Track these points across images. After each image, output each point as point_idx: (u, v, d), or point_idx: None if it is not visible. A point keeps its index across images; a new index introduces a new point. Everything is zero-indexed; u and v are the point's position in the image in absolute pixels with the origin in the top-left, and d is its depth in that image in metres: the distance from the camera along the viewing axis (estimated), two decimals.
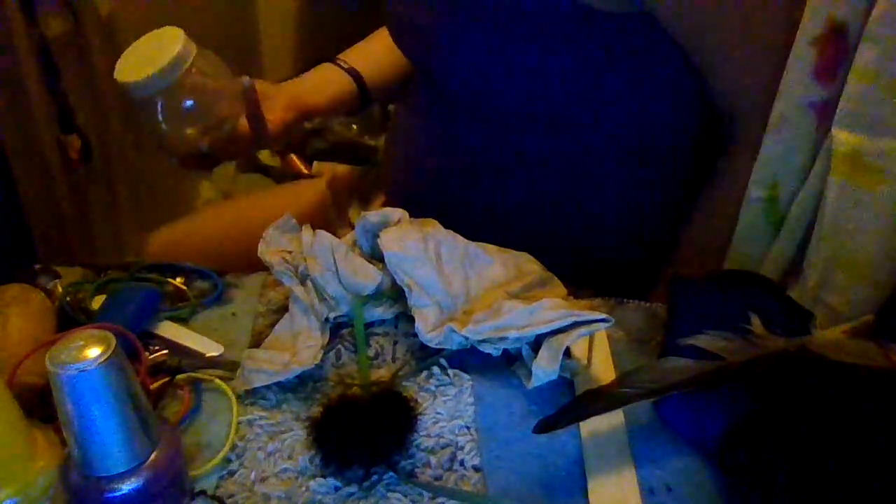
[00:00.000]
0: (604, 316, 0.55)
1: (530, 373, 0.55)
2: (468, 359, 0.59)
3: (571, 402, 0.52)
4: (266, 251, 0.63)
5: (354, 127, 1.25)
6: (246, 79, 0.74)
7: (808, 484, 0.46)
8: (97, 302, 0.63)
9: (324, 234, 0.62)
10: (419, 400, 0.56)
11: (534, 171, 0.73)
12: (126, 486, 0.42)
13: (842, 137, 0.61)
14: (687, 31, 0.63)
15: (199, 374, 0.58)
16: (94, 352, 0.39)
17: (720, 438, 0.51)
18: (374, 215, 0.63)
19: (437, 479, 0.51)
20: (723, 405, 0.52)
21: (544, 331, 0.55)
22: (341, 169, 1.02)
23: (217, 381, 0.57)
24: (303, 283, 0.61)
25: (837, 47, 0.60)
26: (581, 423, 0.53)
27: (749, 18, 0.62)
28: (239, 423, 0.54)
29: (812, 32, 0.60)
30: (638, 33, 0.64)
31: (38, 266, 0.66)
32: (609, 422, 0.54)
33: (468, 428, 0.54)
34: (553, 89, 0.67)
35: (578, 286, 0.63)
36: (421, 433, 0.53)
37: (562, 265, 0.63)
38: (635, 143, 0.72)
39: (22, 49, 1.05)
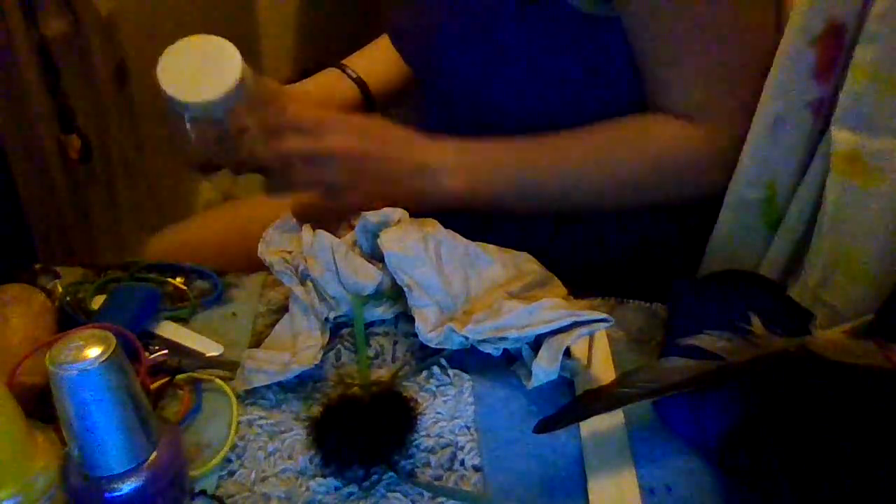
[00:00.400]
0: (604, 316, 0.56)
1: (530, 373, 0.55)
2: (468, 359, 0.59)
3: (571, 402, 0.52)
4: (266, 251, 0.63)
5: None
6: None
7: (808, 484, 0.46)
8: (97, 302, 0.63)
9: (324, 234, 0.62)
10: (419, 400, 0.56)
11: None
12: (126, 486, 0.42)
13: (841, 137, 0.61)
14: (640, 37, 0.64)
15: (199, 374, 0.58)
16: (94, 352, 0.39)
17: (720, 438, 0.51)
18: (374, 215, 0.63)
19: (437, 479, 0.51)
20: (723, 405, 0.52)
21: (544, 331, 0.55)
22: None
23: (217, 381, 0.57)
24: (303, 283, 0.61)
25: (836, 47, 0.60)
26: (581, 423, 0.53)
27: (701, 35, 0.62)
28: (239, 423, 0.54)
29: (811, 33, 0.60)
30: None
31: (38, 266, 0.66)
32: (609, 422, 0.54)
33: (468, 428, 0.54)
34: (551, 90, 0.67)
35: (579, 287, 0.63)
36: (421, 433, 0.53)
37: (562, 266, 0.63)
38: None
39: (22, 49, 1.05)
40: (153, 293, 0.63)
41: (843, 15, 0.59)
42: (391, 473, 0.50)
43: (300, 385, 0.57)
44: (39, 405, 0.49)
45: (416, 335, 0.59)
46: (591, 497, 0.49)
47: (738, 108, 0.65)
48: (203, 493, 0.49)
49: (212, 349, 0.59)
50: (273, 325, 0.61)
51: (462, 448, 0.53)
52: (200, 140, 0.67)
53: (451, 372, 0.59)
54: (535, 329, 0.55)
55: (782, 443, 0.48)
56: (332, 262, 0.61)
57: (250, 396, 0.56)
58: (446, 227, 0.63)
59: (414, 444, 0.53)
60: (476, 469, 0.51)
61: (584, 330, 0.55)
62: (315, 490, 0.50)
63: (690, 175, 0.68)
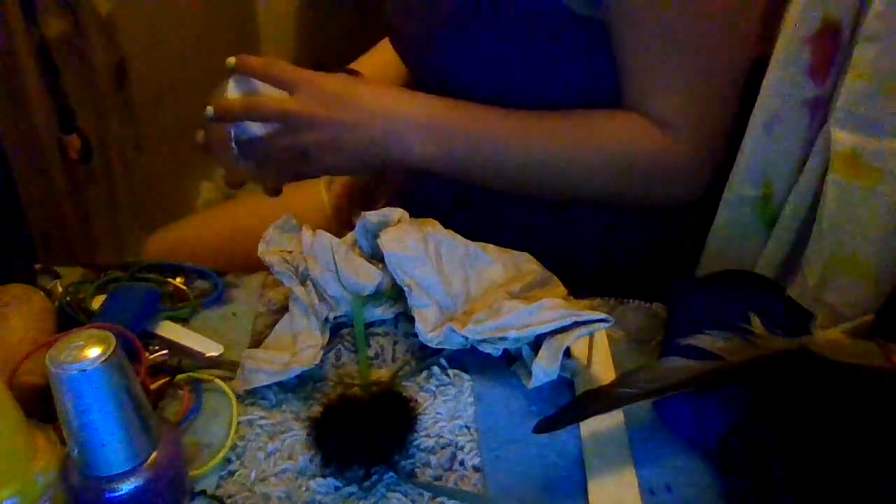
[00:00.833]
0: (604, 316, 0.56)
1: (530, 373, 0.55)
2: (468, 359, 0.59)
3: (571, 402, 0.52)
4: (266, 251, 0.63)
5: None
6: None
7: (808, 484, 0.46)
8: (97, 302, 0.63)
9: (324, 234, 0.62)
10: (419, 400, 0.56)
11: None
12: (126, 486, 0.42)
13: (841, 137, 0.61)
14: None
15: (199, 374, 0.58)
16: (94, 352, 0.39)
17: (720, 438, 0.51)
18: (374, 215, 0.63)
19: (437, 479, 0.51)
20: (723, 405, 0.52)
21: (544, 331, 0.55)
22: None
23: (217, 381, 0.57)
24: (303, 283, 0.61)
25: (832, 45, 0.60)
26: (581, 423, 0.53)
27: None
28: (239, 423, 0.54)
29: (806, 31, 0.60)
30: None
31: (38, 266, 0.66)
32: (609, 422, 0.54)
33: (468, 428, 0.54)
34: (548, 92, 0.67)
35: (579, 287, 0.63)
36: (421, 433, 0.53)
37: (562, 266, 0.64)
38: None
39: (22, 49, 1.06)
40: (153, 293, 0.63)
41: (838, 13, 0.59)
42: (391, 473, 0.50)
43: (300, 385, 0.57)
44: (39, 405, 0.49)
45: (416, 335, 0.59)
46: (591, 497, 0.49)
47: (710, 121, 0.65)
48: (203, 493, 0.49)
49: (212, 349, 0.59)
50: (273, 325, 0.61)
51: (462, 448, 0.53)
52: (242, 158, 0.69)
53: (451, 372, 0.59)
54: (535, 329, 0.55)
55: (782, 443, 0.48)
56: (332, 262, 0.61)
57: (250, 396, 0.56)
58: (446, 227, 0.63)
59: (414, 444, 0.53)
60: (476, 469, 0.51)
61: (584, 330, 0.55)
62: (315, 490, 0.50)
63: (654, 179, 0.68)
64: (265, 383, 0.55)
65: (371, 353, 0.61)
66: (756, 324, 0.54)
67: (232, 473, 0.51)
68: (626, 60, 0.64)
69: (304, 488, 0.50)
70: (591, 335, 0.57)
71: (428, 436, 0.53)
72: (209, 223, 1.01)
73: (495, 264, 0.62)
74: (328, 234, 0.62)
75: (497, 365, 0.59)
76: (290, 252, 0.63)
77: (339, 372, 0.59)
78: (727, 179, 0.70)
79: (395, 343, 0.62)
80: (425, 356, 0.60)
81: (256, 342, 0.61)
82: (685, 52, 0.62)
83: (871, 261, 0.63)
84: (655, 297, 0.66)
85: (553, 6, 0.63)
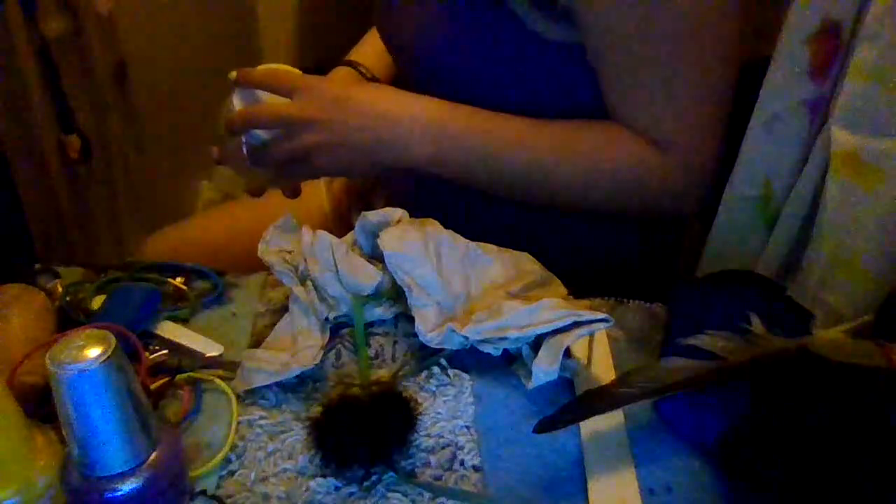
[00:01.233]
0: (604, 316, 0.56)
1: (530, 373, 0.55)
2: (468, 359, 0.59)
3: (571, 402, 0.52)
4: (266, 251, 0.63)
5: None
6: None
7: (808, 484, 0.46)
8: (97, 302, 0.63)
9: (324, 234, 0.62)
10: (419, 400, 0.56)
11: None
12: (126, 486, 0.42)
13: (841, 137, 0.61)
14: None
15: (199, 374, 0.58)
16: (94, 352, 0.39)
17: (720, 438, 0.51)
18: (374, 215, 0.63)
19: (437, 479, 0.51)
20: (723, 405, 0.52)
21: (544, 331, 0.55)
22: None
23: (217, 381, 0.57)
24: (303, 283, 0.61)
25: (832, 45, 0.60)
26: (581, 423, 0.53)
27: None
28: (239, 423, 0.54)
29: (806, 31, 0.60)
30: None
31: (38, 266, 0.66)
32: (609, 422, 0.54)
33: (468, 428, 0.54)
34: (530, 103, 0.68)
35: (579, 287, 0.63)
36: (421, 433, 0.53)
37: (562, 266, 0.64)
38: None
39: (22, 49, 1.06)
40: (153, 293, 0.63)
41: (838, 13, 0.59)
42: (391, 473, 0.50)
43: (300, 385, 0.57)
44: (39, 405, 0.49)
45: (416, 335, 0.59)
46: (591, 497, 0.49)
47: (700, 137, 0.65)
48: (203, 493, 0.49)
49: (212, 349, 0.59)
50: (273, 325, 0.61)
51: (462, 448, 0.53)
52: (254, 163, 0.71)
53: (451, 372, 0.59)
54: (535, 329, 0.55)
55: (782, 443, 0.48)
56: (332, 262, 0.61)
57: (250, 396, 0.56)
58: (446, 227, 0.63)
59: (414, 444, 0.53)
60: (476, 469, 0.51)
61: (584, 330, 0.55)
62: (315, 490, 0.50)
63: (647, 195, 0.68)
64: (265, 383, 0.55)
65: (371, 353, 0.61)
66: (756, 324, 0.54)
67: (232, 473, 0.51)
68: (611, 81, 0.64)
69: (304, 488, 0.50)
70: (591, 335, 0.57)
71: (428, 436, 0.53)
72: (209, 223, 1.01)
73: (495, 264, 0.62)
74: (328, 234, 0.62)
75: (497, 365, 0.59)
76: (290, 252, 0.63)
77: (339, 372, 0.59)
78: (727, 179, 0.70)
79: (395, 343, 0.62)
80: (425, 356, 0.60)
81: (256, 342, 0.61)
82: (671, 71, 0.62)
83: (870, 261, 0.63)
84: (655, 297, 0.66)
85: (522, 32, 0.64)
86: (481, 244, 0.63)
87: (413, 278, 0.59)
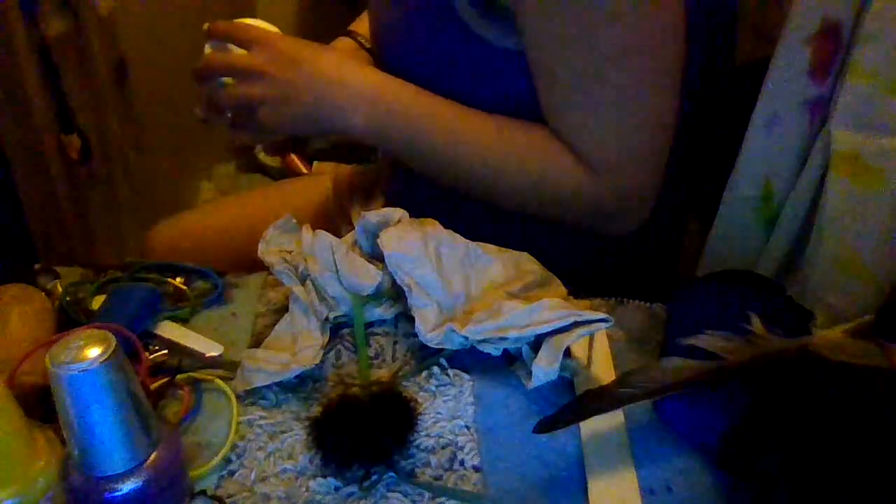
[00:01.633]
0: (604, 316, 0.55)
1: (530, 373, 0.55)
2: (468, 359, 0.59)
3: (571, 402, 0.52)
4: (266, 251, 0.63)
5: None
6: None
7: (808, 484, 0.46)
8: (97, 302, 0.63)
9: (324, 234, 0.62)
10: (419, 400, 0.56)
11: None
12: (126, 486, 0.42)
13: (841, 137, 0.61)
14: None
15: (199, 374, 0.58)
16: (94, 352, 0.39)
17: (720, 438, 0.51)
18: (374, 215, 0.63)
19: (437, 479, 0.51)
20: (723, 405, 0.52)
21: (544, 331, 0.55)
22: (343, 169, 1.02)
23: (217, 381, 0.57)
24: (303, 283, 0.61)
25: (832, 45, 0.60)
26: (581, 423, 0.53)
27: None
28: (239, 423, 0.54)
29: (806, 31, 0.60)
30: None
31: (38, 266, 0.66)
32: (609, 422, 0.54)
33: (468, 428, 0.54)
34: (496, 107, 0.68)
35: (579, 287, 0.63)
36: (421, 433, 0.53)
37: (562, 266, 0.64)
38: None
39: (22, 49, 1.06)
40: (153, 293, 0.63)
41: (838, 13, 0.59)
42: (391, 473, 0.50)
43: (300, 385, 0.57)
44: (39, 405, 0.49)
45: (416, 335, 0.59)
46: (591, 497, 0.49)
47: (635, 160, 0.65)
48: (203, 493, 0.49)
49: (212, 349, 0.59)
50: (273, 325, 0.61)
51: (462, 448, 0.53)
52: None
53: (451, 372, 0.59)
54: (535, 329, 0.55)
55: (782, 443, 0.48)
56: (332, 262, 0.61)
57: (250, 396, 0.56)
58: (446, 227, 0.63)
59: (414, 444, 0.53)
60: (476, 469, 0.51)
61: (584, 330, 0.55)
62: (315, 490, 0.50)
63: (576, 213, 0.68)
64: (265, 383, 0.55)
65: (371, 353, 0.61)
66: (756, 324, 0.54)
67: (232, 473, 0.51)
68: (548, 94, 0.64)
69: (304, 488, 0.50)
70: (591, 335, 0.57)
71: (428, 436, 0.53)
72: (210, 217, 1.01)
73: (495, 264, 0.62)
74: (328, 234, 0.62)
75: (497, 365, 0.59)
76: (290, 252, 0.63)
77: (339, 372, 0.59)
78: (727, 179, 0.70)
79: (395, 343, 0.62)
80: (425, 356, 0.60)
81: (256, 342, 0.61)
82: (605, 94, 0.61)
83: (871, 261, 0.63)
84: (655, 297, 0.66)
85: (473, 39, 0.64)
86: (481, 244, 0.63)
87: (413, 278, 0.59)
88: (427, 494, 0.49)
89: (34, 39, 1.08)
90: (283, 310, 0.63)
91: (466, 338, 0.57)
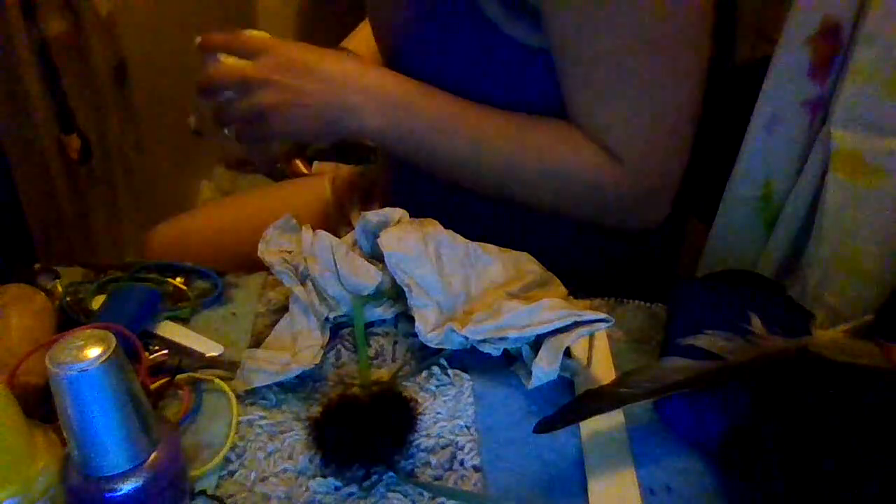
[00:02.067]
0: (604, 316, 0.55)
1: (530, 373, 0.55)
2: (468, 359, 0.59)
3: (571, 402, 0.52)
4: (266, 251, 0.63)
5: None
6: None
7: (807, 484, 0.46)
8: (97, 302, 0.63)
9: (324, 234, 0.62)
10: (419, 400, 0.56)
11: None
12: (126, 486, 0.42)
13: (841, 137, 0.61)
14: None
15: (199, 374, 0.58)
16: (94, 352, 0.39)
17: (720, 438, 0.51)
18: (374, 215, 0.63)
19: (437, 479, 0.51)
20: (723, 405, 0.52)
21: (544, 331, 0.55)
22: (343, 169, 1.02)
23: (217, 381, 0.57)
24: (303, 283, 0.61)
25: (832, 46, 0.60)
26: (581, 423, 0.53)
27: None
28: (239, 423, 0.54)
29: (806, 32, 0.60)
30: None
31: (38, 266, 0.66)
32: (609, 422, 0.54)
33: (468, 428, 0.54)
34: (501, 102, 0.68)
35: (579, 287, 0.63)
36: (421, 433, 0.53)
37: (562, 266, 0.64)
38: None
39: (22, 49, 1.06)
40: (153, 293, 0.63)
41: (839, 14, 0.59)
42: (391, 473, 0.50)
43: (300, 385, 0.57)
44: (39, 405, 0.49)
45: (416, 335, 0.59)
46: (591, 497, 0.49)
47: (660, 154, 0.65)
48: (203, 493, 0.49)
49: (212, 349, 0.59)
50: (273, 325, 0.61)
51: (462, 448, 0.53)
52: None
53: (451, 372, 0.59)
54: (535, 329, 0.55)
55: (782, 443, 0.48)
56: (332, 262, 0.61)
57: (250, 396, 0.56)
58: (446, 227, 0.63)
59: (414, 444, 0.53)
60: (476, 469, 0.51)
61: (584, 330, 0.55)
62: (315, 490, 0.50)
63: (602, 208, 0.68)
64: (265, 383, 0.55)
65: (371, 353, 0.61)
66: (756, 324, 0.54)
67: (232, 473, 0.51)
68: (574, 94, 0.64)
69: (304, 488, 0.50)
70: (591, 335, 0.57)
71: (428, 436, 0.53)
72: (210, 219, 1.01)
73: (495, 264, 0.62)
74: (328, 234, 0.62)
75: (497, 365, 0.59)
76: (290, 252, 0.63)
77: (339, 372, 0.59)
78: (727, 179, 0.70)
79: (395, 343, 0.62)
80: (425, 356, 0.60)
81: (256, 342, 0.61)
82: (634, 87, 0.62)
83: (871, 261, 0.63)
84: (655, 297, 0.66)
85: (497, 35, 0.64)
86: (481, 244, 0.63)
87: (413, 278, 0.59)
88: (427, 494, 0.49)
89: (34, 39, 1.08)
90: (283, 310, 0.63)
91: (466, 338, 0.57)
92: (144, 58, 1.38)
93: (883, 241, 0.62)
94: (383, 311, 0.63)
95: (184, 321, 0.63)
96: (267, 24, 1.74)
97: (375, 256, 0.63)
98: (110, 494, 0.42)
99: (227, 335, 0.62)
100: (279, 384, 0.56)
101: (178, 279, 0.67)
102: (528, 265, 0.63)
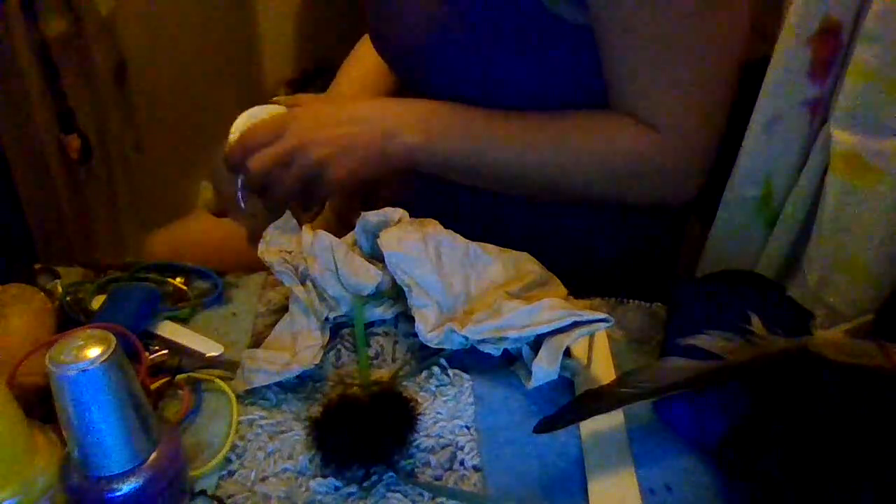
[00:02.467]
0: (604, 316, 0.55)
1: (530, 373, 0.55)
2: (468, 359, 0.59)
3: (571, 402, 0.52)
4: (266, 251, 0.63)
5: None
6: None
7: (808, 484, 0.46)
8: (97, 302, 0.63)
9: (324, 234, 0.62)
10: (419, 400, 0.56)
11: None
12: (126, 486, 0.42)
13: (841, 137, 0.61)
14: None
15: (199, 374, 0.58)
16: (94, 352, 0.39)
17: (720, 438, 0.51)
18: (374, 215, 0.63)
19: (437, 479, 0.51)
20: (723, 405, 0.52)
21: (544, 331, 0.55)
22: None
23: (217, 381, 0.57)
24: (303, 283, 0.61)
25: (832, 45, 0.60)
26: (581, 423, 0.53)
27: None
28: (239, 423, 0.54)
29: (807, 32, 0.60)
30: None
31: (38, 266, 0.66)
32: (609, 422, 0.54)
33: (468, 428, 0.54)
34: (537, 93, 0.68)
35: (579, 287, 0.63)
36: (421, 433, 0.53)
37: (562, 266, 0.64)
38: None
39: (22, 49, 1.06)
40: (153, 293, 0.63)
41: (839, 13, 0.59)
42: (391, 473, 0.50)
43: (300, 385, 0.57)
44: (39, 405, 0.49)
45: (416, 335, 0.59)
46: (591, 497, 0.49)
47: (702, 123, 0.65)
48: (203, 493, 0.49)
49: (212, 349, 0.59)
50: (273, 325, 0.61)
51: (462, 448, 0.53)
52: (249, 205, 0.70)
53: (451, 372, 0.59)
54: (535, 329, 0.55)
55: (782, 443, 0.48)
56: (332, 262, 0.61)
57: (250, 396, 0.56)
58: (446, 227, 0.63)
59: (414, 444, 0.53)
60: (476, 469, 0.51)
61: (584, 330, 0.55)
62: (315, 490, 0.50)
63: (648, 181, 0.68)
64: (265, 383, 0.55)
65: (371, 353, 0.61)
66: (756, 324, 0.54)
67: (232, 473, 0.51)
68: (616, 64, 0.64)
69: (304, 488, 0.50)
70: (591, 335, 0.57)
71: (428, 436, 0.53)
72: (210, 222, 1.01)
73: (495, 264, 0.62)
74: (328, 234, 0.62)
75: (497, 365, 0.59)
76: (290, 252, 0.63)
77: (339, 372, 0.59)
78: (727, 179, 0.70)
79: (395, 343, 0.62)
80: (425, 356, 0.60)
81: (256, 342, 0.61)
82: (676, 55, 0.62)
83: (871, 261, 0.63)
84: (655, 297, 0.66)
85: (540, 13, 0.63)
86: (481, 244, 0.63)
87: (413, 278, 0.59)
88: (427, 494, 0.49)
89: (34, 39, 1.08)
90: (283, 310, 0.63)
91: (466, 338, 0.57)
92: (144, 58, 1.38)
93: (883, 241, 0.62)
94: (383, 311, 0.63)
95: (184, 321, 0.63)
96: (267, 24, 1.74)
97: (375, 256, 0.63)
98: (110, 494, 0.42)
99: (227, 335, 0.62)
100: (279, 384, 0.56)
101: (178, 279, 0.67)
102: (528, 265, 0.63)
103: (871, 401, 0.48)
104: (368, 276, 0.61)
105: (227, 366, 0.58)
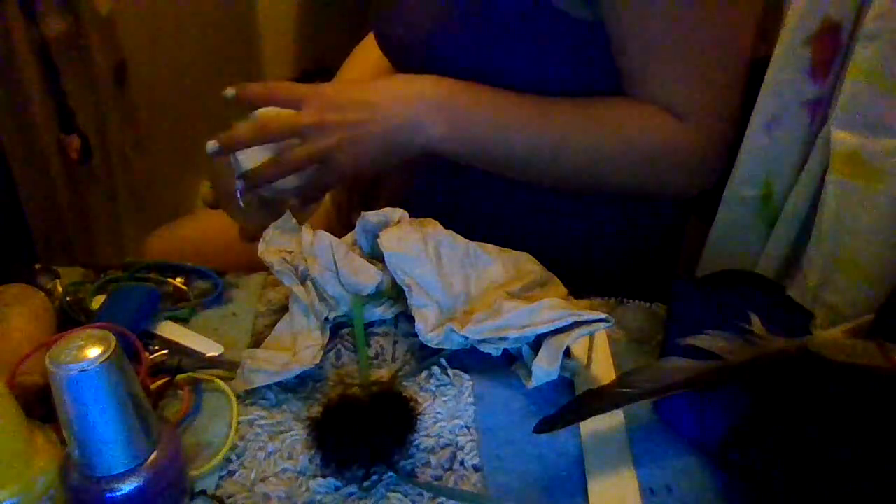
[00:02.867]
0: (604, 316, 0.56)
1: (530, 373, 0.55)
2: (468, 359, 0.59)
3: (571, 402, 0.52)
4: (266, 251, 0.63)
5: None
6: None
7: (808, 484, 0.46)
8: (97, 302, 0.63)
9: (324, 234, 0.62)
10: (419, 400, 0.56)
11: None
12: (126, 486, 0.42)
13: (841, 137, 0.61)
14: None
15: (199, 374, 0.58)
16: (94, 352, 0.39)
17: (721, 438, 0.51)
18: (374, 215, 0.63)
19: (437, 479, 0.51)
20: (723, 405, 0.52)
21: (544, 331, 0.55)
22: None
23: (217, 381, 0.57)
24: (303, 283, 0.61)
25: (832, 46, 0.60)
26: (581, 423, 0.53)
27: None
28: (239, 423, 0.54)
29: (806, 32, 0.60)
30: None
31: (38, 266, 0.66)
32: (609, 422, 0.54)
33: (468, 428, 0.54)
34: (543, 89, 0.67)
35: (579, 287, 0.63)
36: (421, 433, 0.53)
37: (562, 266, 0.64)
38: None
39: (22, 49, 1.06)
40: (153, 293, 0.63)
41: (838, 14, 0.59)
42: (391, 473, 0.50)
43: (300, 385, 0.57)
44: (39, 405, 0.49)
45: (416, 335, 0.59)
46: (591, 497, 0.49)
47: (720, 108, 0.65)
48: (203, 493, 0.49)
49: (212, 349, 0.59)
50: (273, 325, 0.61)
51: (462, 448, 0.53)
52: (249, 207, 0.69)
53: (451, 372, 0.59)
54: (535, 329, 0.55)
55: (782, 443, 0.48)
56: (332, 262, 0.61)
57: (250, 396, 0.56)
58: (446, 227, 0.63)
59: (414, 444, 0.53)
60: (476, 469, 0.51)
61: (584, 330, 0.55)
62: (315, 490, 0.50)
63: (672, 167, 0.68)
64: (265, 383, 0.55)
65: (371, 353, 0.61)
66: (756, 324, 0.54)
67: (232, 473, 0.51)
68: (634, 56, 0.64)
69: (304, 488, 0.50)
70: (591, 335, 0.57)
71: (428, 436, 0.53)
72: (210, 222, 1.01)
73: (495, 264, 0.62)
74: (328, 234, 0.62)
75: (497, 365, 0.59)
76: (290, 252, 0.63)
77: (339, 372, 0.59)
78: (727, 179, 0.70)
79: (395, 343, 0.62)
80: (425, 356, 0.60)
81: (256, 342, 0.61)
82: (693, 43, 0.62)
83: (871, 261, 0.63)
84: (655, 297, 0.66)
85: (543, 8, 0.63)
86: (481, 244, 0.63)
87: (413, 278, 0.59)
88: (427, 494, 0.49)
89: (34, 39, 1.08)
90: (283, 310, 0.63)
91: (466, 338, 0.57)
92: (144, 58, 1.38)
93: (883, 241, 0.62)
94: (383, 311, 0.63)
95: (184, 321, 0.63)
96: (267, 24, 1.74)
97: (375, 256, 0.63)
98: (110, 494, 0.42)
99: (227, 335, 0.62)
100: (279, 384, 0.56)
101: (178, 279, 0.67)
102: (528, 265, 0.63)
103: (871, 401, 0.48)
104: (368, 276, 0.61)
105: (227, 366, 0.58)
